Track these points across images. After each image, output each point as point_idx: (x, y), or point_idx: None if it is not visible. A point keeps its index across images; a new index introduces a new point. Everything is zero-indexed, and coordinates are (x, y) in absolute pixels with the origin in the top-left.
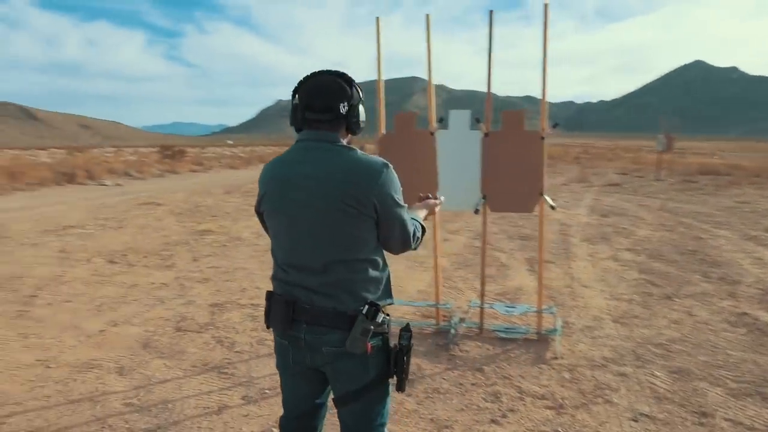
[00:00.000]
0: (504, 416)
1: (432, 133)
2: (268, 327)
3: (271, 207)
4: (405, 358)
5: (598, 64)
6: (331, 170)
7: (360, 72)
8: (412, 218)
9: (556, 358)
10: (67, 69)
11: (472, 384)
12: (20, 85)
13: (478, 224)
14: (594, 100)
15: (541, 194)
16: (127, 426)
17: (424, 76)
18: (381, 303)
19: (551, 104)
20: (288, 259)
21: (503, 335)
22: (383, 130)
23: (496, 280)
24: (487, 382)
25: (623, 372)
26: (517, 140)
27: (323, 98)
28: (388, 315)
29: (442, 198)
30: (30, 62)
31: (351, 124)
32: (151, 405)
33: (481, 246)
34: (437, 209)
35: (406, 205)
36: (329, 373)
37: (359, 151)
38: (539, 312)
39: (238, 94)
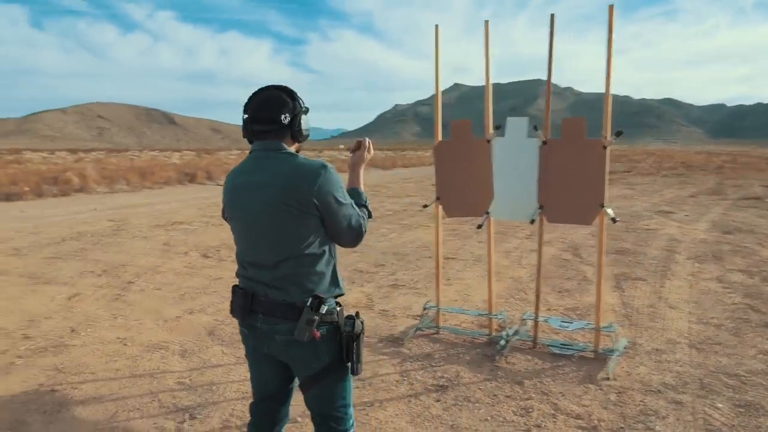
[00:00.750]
0: (528, 431)
1: (488, 141)
2: (232, 316)
3: (230, 212)
4: (354, 344)
5: (756, 62)
6: (276, 176)
7: (480, 76)
8: (356, 205)
9: (607, 378)
10: (202, 77)
11: (507, 396)
12: (163, 92)
13: (574, 236)
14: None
15: (602, 206)
16: (173, 401)
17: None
18: (326, 294)
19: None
20: (246, 258)
21: (556, 351)
22: (439, 137)
23: (573, 295)
24: (523, 395)
25: (679, 400)
26: (578, 149)
27: (266, 111)
28: (338, 305)
29: (368, 139)
30: (171, 72)
31: (294, 133)
32: (199, 385)
33: (536, 260)
34: (369, 154)
35: (350, 201)
36: (287, 361)
37: (301, 156)
38: (597, 329)
39: (357, 99)
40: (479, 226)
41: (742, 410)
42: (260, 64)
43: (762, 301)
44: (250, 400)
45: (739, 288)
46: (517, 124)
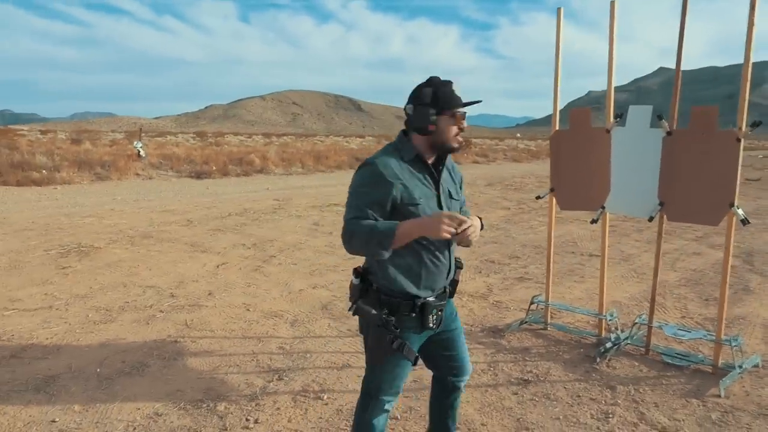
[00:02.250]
0: None
1: (608, 131)
2: None
3: None
4: (370, 332)
5: None
6: None
7: (690, 59)
8: (372, 228)
9: (719, 396)
10: (390, 64)
11: (591, 399)
12: (351, 80)
13: (754, 241)
14: None
15: (732, 205)
16: (269, 363)
17: None
18: (381, 283)
19: None
20: None
21: (668, 360)
22: (557, 127)
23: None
24: (609, 400)
25: None
26: (707, 141)
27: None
28: (392, 298)
29: (472, 224)
30: (361, 59)
31: (414, 122)
32: (295, 352)
33: (654, 262)
34: (442, 234)
35: (356, 203)
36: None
37: (390, 148)
38: (717, 341)
39: (546, 86)
40: (594, 221)
41: None
42: (447, 51)
43: None
44: (335, 370)
45: None
46: (639, 113)
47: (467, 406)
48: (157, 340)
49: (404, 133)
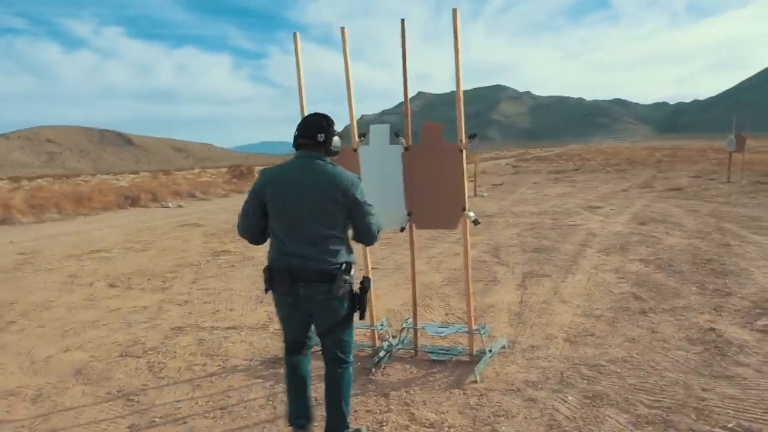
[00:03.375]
0: None
1: (355, 150)
2: (268, 290)
3: (277, 201)
4: (364, 298)
5: (691, 62)
6: (327, 177)
7: (443, 84)
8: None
9: (475, 381)
10: (160, 95)
11: (368, 411)
12: (117, 112)
13: (501, 237)
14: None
15: (464, 210)
16: None
17: (509, 84)
18: (348, 263)
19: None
20: (292, 237)
21: (434, 357)
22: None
23: (477, 296)
24: (384, 408)
25: (534, 397)
26: (437, 154)
27: (308, 130)
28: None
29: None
30: (125, 90)
31: (327, 149)
32: None
33: (411, 271)
34: None
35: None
36: (317, 315)
37: (338, 166)
38: (469, 332)
39: (324, 111)
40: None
41: (588, 401)
42: (221, 80)
43: (646, 289)
44: None
45: (631, 278)
46: (379, 132)
47: None
48: None
49: (319, 154)
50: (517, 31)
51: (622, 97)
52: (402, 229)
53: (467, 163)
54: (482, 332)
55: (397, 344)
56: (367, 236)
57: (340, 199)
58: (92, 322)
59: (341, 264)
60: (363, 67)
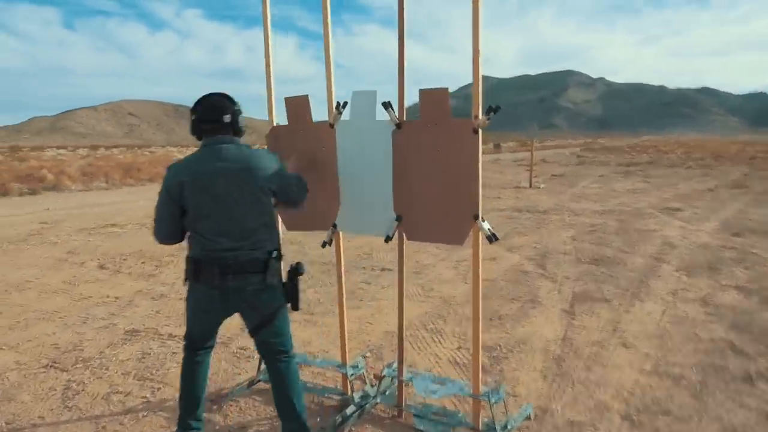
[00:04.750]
0: None
1: (332, 126)
2: (191, 281)
3: (197, 193)
4: (295, 285)
5: None
6: (243, 162)
7: (506, 68)
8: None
9: None
10: (231, 74)
11: None
12: (191, 89)
13: (551, 240)
14: None
15: (477, 218)
16: None
17: (578, 69)
18: (276, 253)
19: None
20: (218, 230)
21: (421, 427)
22: (273, 120)
23: (506, 324)
24: None
25: None
26: (440, 134)
27: (213, 113)
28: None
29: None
30: (199, 69)
31: (236, 129)
32: None
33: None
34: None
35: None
36: (250, 308)
37: (252, 146)
38: (474, 397)
39: (387, 94)
40: (324, 244)
41: None
42: (287, 60)
43: (751, 337)
44: None
45: (727, 314)
46: (363, 100)
47: None
48: None
49: (229, 137)
50: (590, 13)
51: (711, 86)
52: (388, 239)
53: (526, 150)
54: (494, 400)
55: (375, 396)
56: (296, 192)
57: (265, 183)
58: (50, 314)
59: (272, 251)
60: (424, 49)
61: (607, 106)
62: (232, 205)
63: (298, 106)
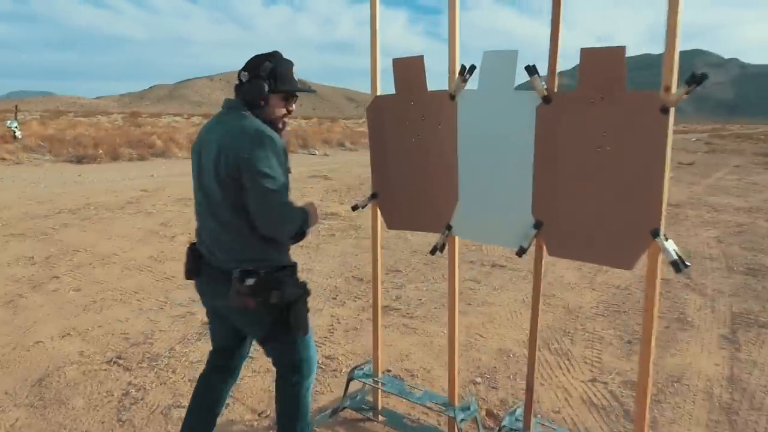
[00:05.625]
0: None
1: (453, 97)
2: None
3: (192, 167)
4: (290, 311)
5: None
6: (228, 137)
7: (629, 46)
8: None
9: None
10: (341, 47)
11: None
12: (302, 62)
13: (690, 240)
14: None
15: (656, 235)
16: None
17: (710, 48)
18: (257, 265)
19: None
20: (198, 220)
21: None
22: (378, 90)
23: (633, 356)
24: None
25: None
26: (609, 111)
27: (243, 68)
28: (278, 271)
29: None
30: (311, 41)
31: (245, 95)
32: None
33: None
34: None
35: (283, 180)
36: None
37: (257, 121)
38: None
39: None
40: (434, 251)
41: None
42: (397, 34)
43: None
44: None
45: None
46: (497, 63)
47: None
48: None
49: (237, 101)
50: None
51: None
52: (522, 251)
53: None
54: (469, 415)
55: (346, 398)
56: (264, 218)
57: (230, 171)
58: (130, 294)
59: (249, 262)
60: (539, 25)
61: (740, 89)
62: (210, 190)
63: (409, 69)
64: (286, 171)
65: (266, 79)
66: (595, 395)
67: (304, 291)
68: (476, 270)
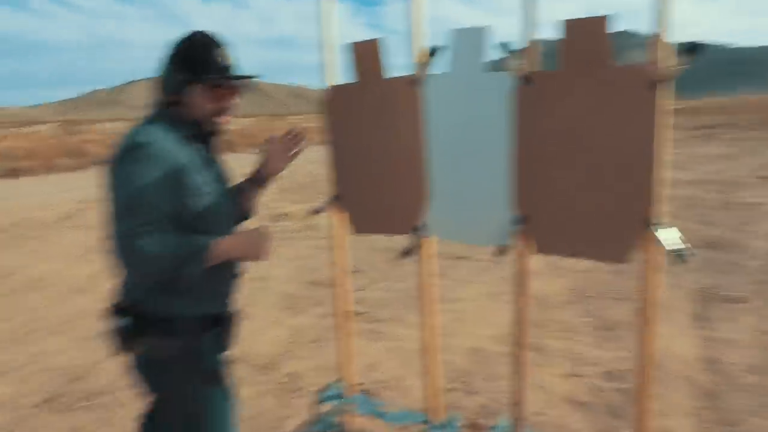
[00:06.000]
0: None
1: (417, 82)
2: None
3: None
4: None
5: None
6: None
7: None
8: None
9: None
10: (283, 42)
11: None
12: (242, 59)
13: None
14: None
15: (649, 225)
16: None
17: (641, 29)
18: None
19: None
20: None
21: None
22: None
23: (622, 336)
24: None
25: None
26: (595, 89)
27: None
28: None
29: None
30: (251, 38)
31: (160, 88)
32: None
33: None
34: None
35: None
36: None
37: (154, 123)
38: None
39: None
40: (405, 253)
41: None
42: (340, 27)
43: None
44: None
45: None
46: (466, 41)
47: None
48: None
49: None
50: None
51: None
52: (501, 251)
53: None
54: None
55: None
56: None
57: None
58: (67, 321)
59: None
60: (482, 14)
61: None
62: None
63: (366, 54)
64: (177, 189)
65: (183, 69)
66: (578, 392)
67: (196, 351)
68: (439, 263)
